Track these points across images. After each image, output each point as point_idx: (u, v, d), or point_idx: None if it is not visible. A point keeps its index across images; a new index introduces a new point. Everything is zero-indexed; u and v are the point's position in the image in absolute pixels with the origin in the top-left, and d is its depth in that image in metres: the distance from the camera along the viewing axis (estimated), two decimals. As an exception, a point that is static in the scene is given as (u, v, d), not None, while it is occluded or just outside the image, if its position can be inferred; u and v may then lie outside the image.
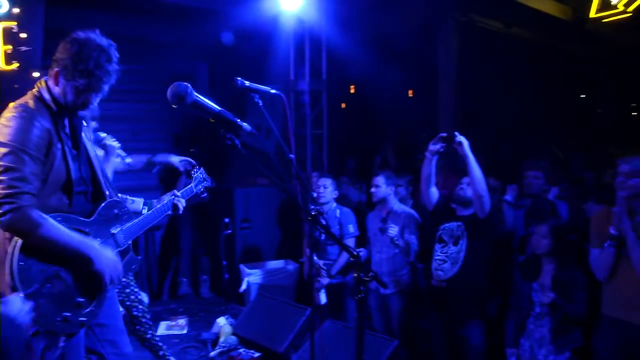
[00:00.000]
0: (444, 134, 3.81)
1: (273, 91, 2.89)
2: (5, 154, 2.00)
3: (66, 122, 2.25)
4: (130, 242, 2.43)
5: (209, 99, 1.81)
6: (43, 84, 2.19)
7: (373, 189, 4.52)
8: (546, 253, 3.61)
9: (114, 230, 2.36)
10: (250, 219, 6.04)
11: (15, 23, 4.43)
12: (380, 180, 4.51)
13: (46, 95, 2.16)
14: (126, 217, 2.43)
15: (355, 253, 1.89)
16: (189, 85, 1.58)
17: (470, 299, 3.87)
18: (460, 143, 3.73)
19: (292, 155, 3.04)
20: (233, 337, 4.40)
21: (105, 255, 2.20)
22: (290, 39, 6.49)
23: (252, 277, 5.53)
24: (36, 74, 4.56)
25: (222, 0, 5.88)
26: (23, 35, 4.45)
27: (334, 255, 4.88)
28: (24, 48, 4.47)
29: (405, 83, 7.17)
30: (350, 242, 4.82)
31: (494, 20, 6.29)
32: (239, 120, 1.68)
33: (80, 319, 2.17)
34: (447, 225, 4.00)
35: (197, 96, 1.59)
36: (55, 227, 2.06)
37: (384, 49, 6.57)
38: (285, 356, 4.08)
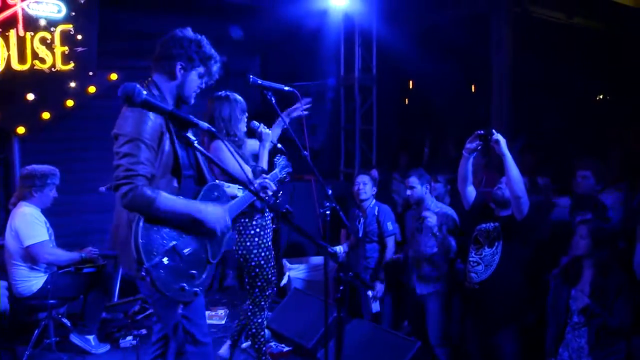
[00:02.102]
0: (481, 132, 3.66)
1: (287, 88, 2.92)
2: (124, 143, 2.24)
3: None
4: (229, 221, 2.61)
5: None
6: (150, 81, 2.41)
7: (409, 192, 4.40)
8: (585, 255, 3.38)
9: None
10: (294, 213, 6.07)
11: (72, 26, 4.72)
12: (414, 181, 4.37)
13: (155, 92, 2.38)
14: (225, 199, 2.67)
15: (332, 251, 1.88)
16: (137, 85, 1.64)
17: (505, 304, 3.69)
18: (497, 141, 3.56)
19: (306, 153, 3.08)
20: (266, 331, 4.48)
21: (211, 212, 2.42)
22: (340, 34, 6.48)
23: (293, 272, 5.59)
24: (90, 73, 4.85)
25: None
26: (79, 37, 4.74)
27: (371, 253, 4.82)
28: (79, 49, 4.76)
29: (457, 77, 6.92)
30: (390, 240, 4.74)
31: (553, 10, 5.94)
32: (194, 118, 1.71)
33: (194, 289, 2.42)
34: (483, 226, 3.84)
35: (146, 96, 1.64)
36: (167, 198, 2.31)
37: (434, 42, 6.38)
38: (312, 352, 4.11)
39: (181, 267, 2.38)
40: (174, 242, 2.35)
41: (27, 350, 4.12)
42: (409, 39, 6.07)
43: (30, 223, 4.05)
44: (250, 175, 3.19)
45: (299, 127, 3.09)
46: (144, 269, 2.22)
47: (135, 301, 5.00)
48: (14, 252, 4.09)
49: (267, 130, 3.54)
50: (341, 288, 1.87)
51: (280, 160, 3.31)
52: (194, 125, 1.65)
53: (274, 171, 3.32)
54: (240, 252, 3.54)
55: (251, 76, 2.75)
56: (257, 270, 3.56)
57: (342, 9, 5.99)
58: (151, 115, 2.26)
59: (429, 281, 4.25)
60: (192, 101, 2.55)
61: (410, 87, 7.46)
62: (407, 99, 7.69)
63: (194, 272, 2.44)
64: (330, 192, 3.10)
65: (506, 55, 5.59)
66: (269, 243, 3.64)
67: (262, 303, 3.68)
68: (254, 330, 3.70)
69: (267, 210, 3.63)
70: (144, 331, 4.68)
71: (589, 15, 6.21)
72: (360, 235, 4.81)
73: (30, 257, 4.06)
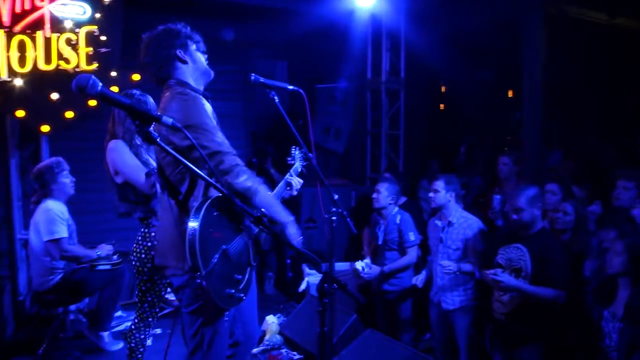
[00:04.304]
0: None
1: (290, 87, 2.83)
2: (195, 132, 2.23)
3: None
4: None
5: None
6: (171, 82, 2.48)
7: (432, 194, 4.21)
8: (620, 273, 3.10)
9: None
10: (316, 219, 5.99)
11: (96, 27, 4.78)
12: (439, 184, 4.16)
13: (180, 89, 2.45)
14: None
15: (317, 261, 1.77)
16: (92, 76, 1.58)
17: (535, 333, 3.47)
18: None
19: (311, 155, 2.97)
20: (278, 337, 4.40)
21: (293, 223, 2.48)
22: (367, 36, 6.35)
23: (312, 278, 5.49)
24: (114, 74, 4.90)
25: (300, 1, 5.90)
26: (103, 38, 4.79)
27: (391, 261, 4.67)
28: (103, 50, 4.80)
29: (490, 81, 6.67)
30: (411, 250, 4.55)
31: (593, 10, 5.62)
32: (156, 113, 1.63)
33: (240, 294, 2.39)
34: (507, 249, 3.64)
35: (103, 88, 1.58)
36: (267, 194, 2.39)
37: (465, 45, 6.16)
38: (322, 362, 3.99)
39: (229, 272, 2.34)
40: (224, 247, 2.28)
41: (43, 343, 4.20)
42: (438, 41, 5.88)
43: (51, 219, 4.13)
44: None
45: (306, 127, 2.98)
46: (200, 276, 2.12)
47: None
48: (35, 247, 4.19)
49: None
50: (325, 301, 1.75)
51: (297, 153, 3.17)
52: (156, 120, 1.58)
53: (295, 165, 3.20)
54: (133, 262, 3.34)
55: (252, 75, 2.67)
56: (149, 284, 3.37)
57: (369, 9, 5.86)
58: (200, 99, 2.41)
59: (453, 295, 4.06)
60: (212, 73, 2.62)
61: (442, 91, 7.23)
62: (437, 103, 7.47)
63: (239, 277, 2.40)
64: (336, 197, 2.98)
65: (540, 58, 5.33)
66: None
67: (150, 319, 3.47)
68: (132, 345, 3.47)
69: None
70: (158, 330, 4.69)
71: (634, 15, 5.85)
72: (380, 242, 4.67)
73: (49, 252, 4.14)
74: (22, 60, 4.51)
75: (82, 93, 1.52)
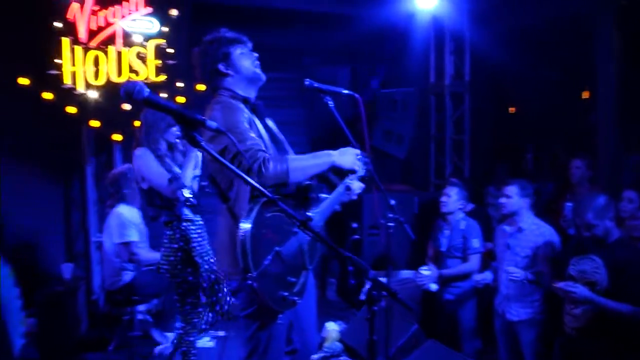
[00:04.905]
0: None
1: (345, 91, 2.81)
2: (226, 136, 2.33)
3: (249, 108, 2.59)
4: (321, 224, 2.60)
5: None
6: (220, 91, 2.52)
7: (503, 200, 4.03)
8: None
9: (309, 213, 2.54)
10: (379, 225, 5.92)
11: (164, 40, 5.00)
12: (512, 190, 3.96)
13: (228, 93, 2.51)
14: (314, 201, 2.60)
15: (365, 267, 1.71)
16: (138, 82, 1.62)
17: (608, 354, 3.23)
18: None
19: (367, 159, 2.93)
20: (338, 344, 4.37)
21: (341, 153, 2.47)
22: (430, 39, 6.24)
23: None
24: (180, 84, 5.10)
25: (358, 4, 5.90)
26: (170, 50, 5.01)
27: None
28: (170, 62, 5.02)
29: (562, 83, 6.32)
30: (473, 258, 4.40)
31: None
32: (201, 117, 1.65)
33: (294, 297, 2.37)
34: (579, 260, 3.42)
35: (150, 94, 1.62)
36: (296, 159, 2.36)
37: (533, 45, 5.89)
38: (382, 371, 3.92)
39: (282, 274, 2.32)
40: (277, 248, 2.28)
41: (112, 341, 4.42)
42: (504, 41, 5.66)
43: (122, 223, 4.33)
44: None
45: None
46: (251, 277, 2.14)
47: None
48: (107, 249, 4.43)
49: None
50: (374, 309, 1.70)
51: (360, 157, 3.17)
52: (201, 124, 1.61)
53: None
54: (165, 267, 3.40)
55: (307, 80, 2.67)
56: (185, 286, 3.40)
57: (430, 11, 5.75)
58: (237, 106, 2.40)
59: (518, 307, 3.88)
60: (263, 76, 2.59)
61: (509, 94, 6.95)
62: (503, 106, 7.18)
63: (293, 279, 2.39)
64: (393, 202, 2.92)
65: (614, 55, 5.01)
66: (198, 251, 3.47)
67: (195, 320, 3.48)
68: (184, 349, 3.50)
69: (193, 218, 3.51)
70: (223, 333, 4.79)
71: None
72: (443, 249, 4.54)
73: (119, 254, 4.36)
74: (96, 74, 4.80)
75: (129, 99, 1.58)
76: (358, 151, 2.53)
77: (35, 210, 5.56)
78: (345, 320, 5.01)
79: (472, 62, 6.24)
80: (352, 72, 7.00)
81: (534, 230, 3.88)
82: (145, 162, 3.43)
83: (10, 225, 5.47)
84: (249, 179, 1.75)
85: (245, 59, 2.54)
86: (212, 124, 1.63)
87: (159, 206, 3.45)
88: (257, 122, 2.55)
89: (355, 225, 5.79)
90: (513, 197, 3.94)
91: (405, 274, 5.72)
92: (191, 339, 3.53)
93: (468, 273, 4.37)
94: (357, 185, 2.86)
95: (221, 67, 2.50)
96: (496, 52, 5.70)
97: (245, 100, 2.54)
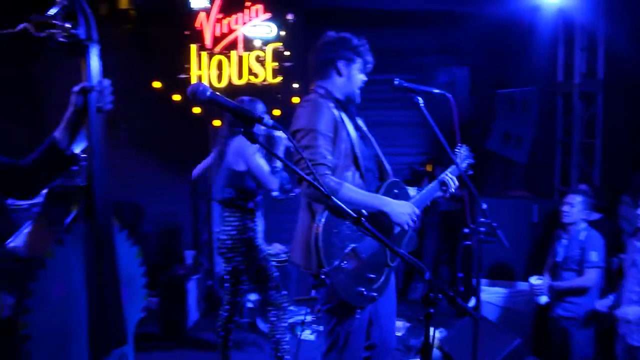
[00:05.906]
0: None
1: (436, 91, 2.75)
2: (302, 137, 2.44)
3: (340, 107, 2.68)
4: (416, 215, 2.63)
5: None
6: (316, 86, 2.60)
7: (566, 207, 3.83)
8: None
9: None
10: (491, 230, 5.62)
11: (281, 44, 5.28)
12: (574, 198, 3.78)
13: (321, 91, 2.56)
14: (403, 197, 2.63)
15: (422, 267, 1.67)
16: (202, 83, 1.73)
17: None
18: None
19: (457, 161, 2.84)
20: (436, 351, 4.27)
21: (397, 205, 2.44)
22: (558, 35, 5.77)
23: (486, 295, 5.18)
24: (296, 85, 5.33)
25: (479, 1, 5.67)
26: (287, 53, 5.27)
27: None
28: (287, 64, 5.29)
29: None
30: (590, 272, 4.02)
31: None
32: (258, 113, 1.73)
33: (372, 293, 2.43)
34: None
35: (212, 93, 1.72)
36: (351, 190, 2.37)
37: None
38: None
39: (360, 270, 2.37)
40: (353, 245, 2.34)
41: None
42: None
43: None
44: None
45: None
46: (325, 272, 2.21)
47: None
48: None
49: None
50: (431, 311, 1.66)
51: (462, 151, 3.01)
52: (258, 121, 1.69)
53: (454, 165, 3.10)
54: (237, 260, 3.59)
55: (396, 79, 2.66)
56: (261, 273, 3.54)
57: (557, 4, 5.32)
58: (325, 105, 2.44)
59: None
60: (358, 99, 2.63)
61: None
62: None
63: (372, 275, 2.43)
64: (485, 206, 2.80)
65: None
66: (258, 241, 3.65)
67: (284, 304, 3.60)
68: (278, 336, 3.60)
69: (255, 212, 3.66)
70: (322, 327, 4.92)
71: None
72: (559, 259, 4.21)
73: None
74: (219, 77, 5.22)
75: (194, 98, 1.72)
76: (416, 209, 2.46)
77: (169, 201, 6.20)
78: (446, 327, 4.87)
79: (607, 58, 5.66)
80: (471, 72, 6.72)
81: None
82: (249, 149, 3.58)
83: (149, 214, 6.17)
84: (310, 179, 1.81)
85: (360, 76, 2.61)
86: (269, 121, 1.71)
87: (248, 191, 3.63)
88: (347, 121, 2.58)
89: (467, 230, 5.57)
90: (575, 206, 3.71)
91: (519, 285, 5.39)
92: (284, 324, 3.68)
93: (582, 288, 4.00)
94: (452, 181, 2.77)
95: (340, 64, 2.54)
96: (634, 48, 5.11)
97: (337, 100, 2.59)
